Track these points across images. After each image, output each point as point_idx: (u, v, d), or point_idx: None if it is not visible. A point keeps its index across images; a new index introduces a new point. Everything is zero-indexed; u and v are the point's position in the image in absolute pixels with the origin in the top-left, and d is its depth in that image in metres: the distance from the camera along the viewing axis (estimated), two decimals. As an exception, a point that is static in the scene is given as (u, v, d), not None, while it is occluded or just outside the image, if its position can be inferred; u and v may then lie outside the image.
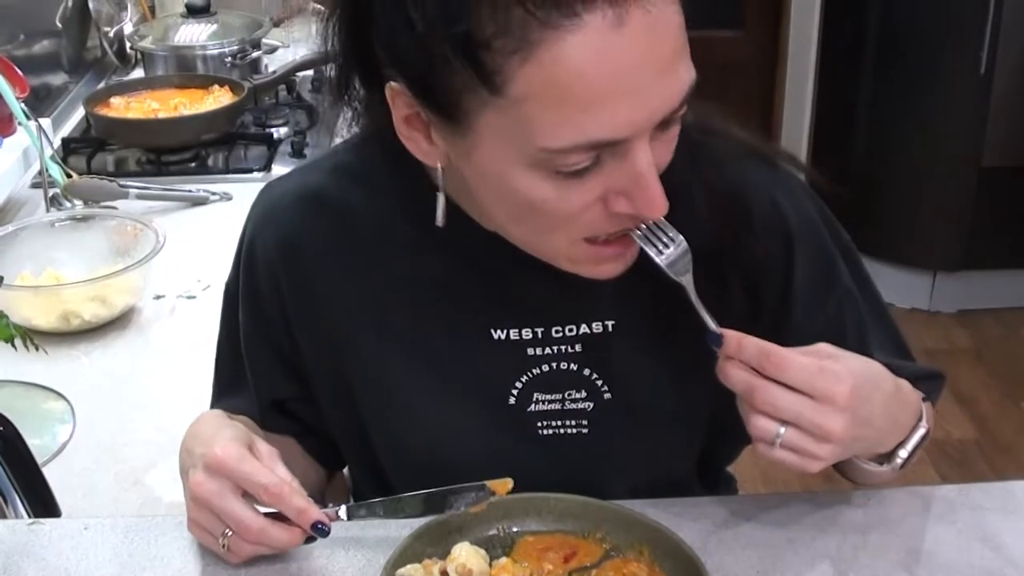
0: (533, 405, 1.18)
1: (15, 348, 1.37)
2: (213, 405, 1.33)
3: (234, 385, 1.31)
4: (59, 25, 2.75)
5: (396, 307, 1.18)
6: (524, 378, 1.17)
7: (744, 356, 1.00)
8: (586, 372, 1.17)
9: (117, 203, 2.14)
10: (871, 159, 3.98)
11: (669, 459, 1.23)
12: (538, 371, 1.17)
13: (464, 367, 1.18)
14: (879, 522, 1.17)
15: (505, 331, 1.16)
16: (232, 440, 1.05)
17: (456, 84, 0.92)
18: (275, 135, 2.50)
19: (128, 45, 2.95)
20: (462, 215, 1.11)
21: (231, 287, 1.29)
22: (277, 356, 1.25)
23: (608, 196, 0.97)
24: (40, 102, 2.51)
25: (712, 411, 1.20)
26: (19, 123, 2.12)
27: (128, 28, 3.00)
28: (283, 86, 2.75)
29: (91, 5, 2.84)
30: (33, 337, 1.39)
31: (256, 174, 2.34)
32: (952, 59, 3.78)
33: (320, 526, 1.03)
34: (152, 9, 3.43)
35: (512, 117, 0.92)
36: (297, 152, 2.40)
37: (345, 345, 1.20)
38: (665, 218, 1.01)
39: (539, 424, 1.18)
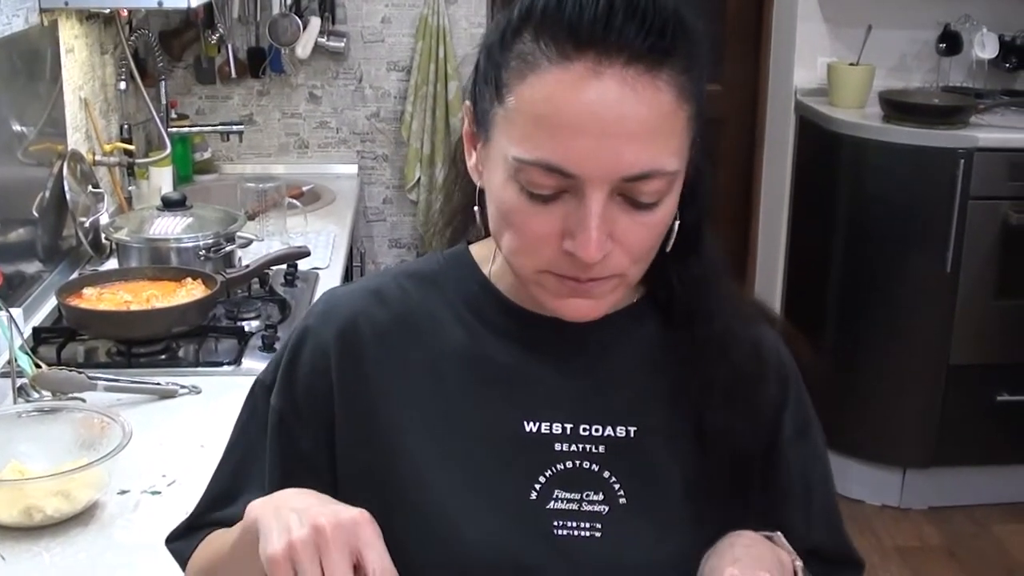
0: (552, 503, 1.21)
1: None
2: (199, 516, 1.33)
3: (234, 488, 1.31)
4: (36, 214, 2.77)
5: (437, 397, 1.24)
6: (548, 472, 1.21)
7: None
8: (606, 474, 1.22)
9: (85, 395, 2.14)
10: (839, 356, 4.01)
11: (678, 571, 1.23)
12: (562, 467, 1.21)
13: (493, 459, 1.22)
14: None
15: (537, 424, 1.22)
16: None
17: (486, 100, 1.12)
18: (246, 328, 2.51)
19: (103, 236, 2.98)
20: (511, 312, 1.24)
21: (266, 381, 1.30)
22: (295, 456, 1.26)
23: (564, 234, 1.08)
24: (13, 290, 2.52)
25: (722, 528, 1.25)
26: (-10, 314, 2.12)
27: (104, 219, 3.03)
28: (256, 279, 2.76)
29: (68, 196, 2.87)
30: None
31: (226, 367, 2.34)
32: (919, 258, 3.86)
33: None
34: (129, 201, 3.48)
35: (505, 125, 1.09)
36: (268, 346, 2.41)
37: (380, 434, 1.23)
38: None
39: (555, 523, 1.21)
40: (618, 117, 1.04)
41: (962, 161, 3.73)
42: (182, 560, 1.33)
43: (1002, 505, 4.05)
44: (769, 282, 4.56)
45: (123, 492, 1.83)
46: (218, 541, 1.25)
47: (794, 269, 4.45)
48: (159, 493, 1.84)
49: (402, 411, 1.23)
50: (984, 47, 4.21)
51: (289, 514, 1.05)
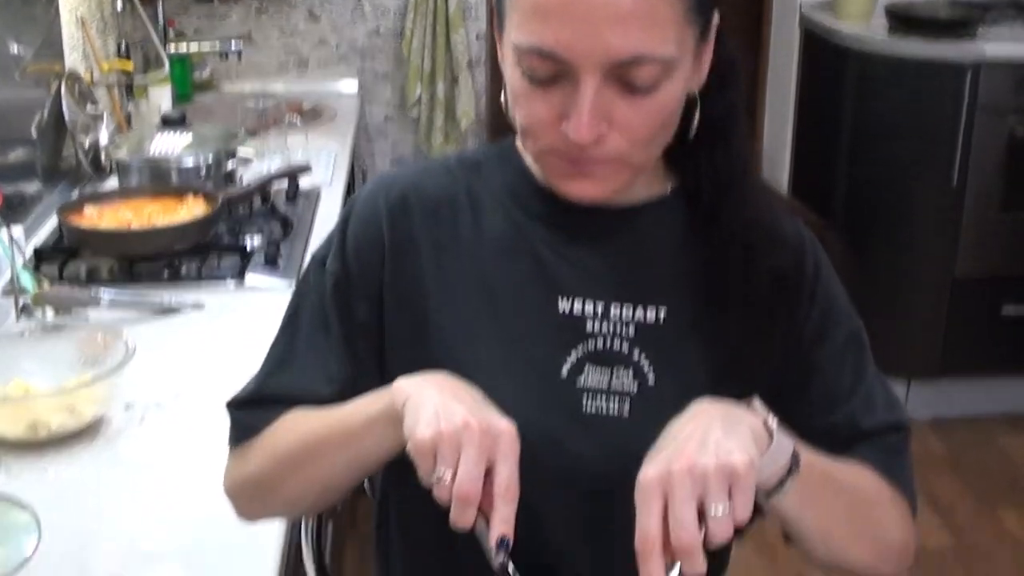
0: (582, 380, 1.26)
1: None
2: (263, 385, 1.34)
3: (292, 356, 1.33)
4: (34, 134, 2.75)
5: (474, 275, 1.29)
6: (579, 350, 1.26)
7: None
8: (635, 355, 1.26)
9: (88, 312, 2.13)
10: (845, 270, 3.99)
11: None
12: (593, 346, 1.26)
13: (526, 335, 1.27)
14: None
15: (570, 300, 1.27)
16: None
17: None
18: (248, 246, 2.50)
19: (103, 155, 2.96)
20: (546, 198, 1.28)
21: (319, 255, 1.35)
22: (351, 321, 1.31)
23: (562, 117, 1.13)
24: (13, 211, 2.51)
25: None
26: (-9, 232, 2.11)
27: (103, 138, 3.01)
28: (258, 196, 2.74)
29: (67, 115, 2.84)
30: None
31: (229, 283, 2.33)
32: (925, 173, 3.84)
33: (504, 542, 1.03)
34: (128, 120, 3.46)
35: (511, 13, 1.14)
36: (271, 261, 2.40)
37: (421, 306, 1.29)
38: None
39: (584, 401, 1.25)
40: (606, 6, 1.07)
41: (969, 74, 3.70)
42: (249, 431, 1.32)
43: (1007, 416, 4.06)
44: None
45: (128, 407, 1.83)
46: (324, 418, 1.24)
47: (798, 183, 4.43)
48: (164, 407, 1.84)
49: (441, 286, 1.28)
50: (991, -44, 4.16)
51: (443, 403, 1.08)
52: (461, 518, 1.03)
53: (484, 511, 1.05)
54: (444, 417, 1.06)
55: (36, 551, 1.47)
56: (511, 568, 1.04)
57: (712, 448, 1.01)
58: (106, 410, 1.79)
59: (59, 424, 1.72)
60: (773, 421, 1.09)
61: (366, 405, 1.19)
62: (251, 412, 1.33)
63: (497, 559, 1.03)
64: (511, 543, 1.03)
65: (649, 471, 1.02)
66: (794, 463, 1.09)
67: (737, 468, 1.00)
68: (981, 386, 4.07)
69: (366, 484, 1.63)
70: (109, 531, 1.52)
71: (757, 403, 1.12)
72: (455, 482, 1.03)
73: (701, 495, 1.00)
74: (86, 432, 1.76)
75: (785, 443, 1.09)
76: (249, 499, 1.34)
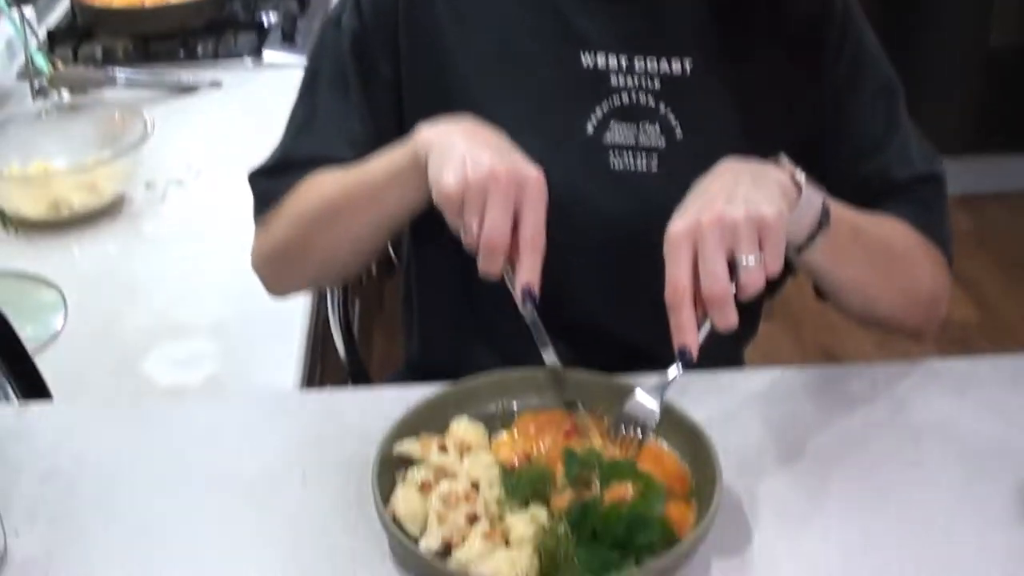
0: (609, 135, 1.23)
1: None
2: (287, 153, 1.31)
3: (314, 119, 1.30)
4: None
5: (494, 33, 1.25)
6: (604, 106, 1.23)
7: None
8: (662, 109, 1.23)
9: (105, 92, 2.10)
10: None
11: None
12: (618, 102, 1.23)
13: (551, 93, 1.24)
14: (886, 397, 1.16)
15: (593, 55, 1.23)
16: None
17: None
18: (265, 22, 2.45)
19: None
20: None
21: (334, 17, 1.30)
22: (374, 75, 1.27)
23: None
24: (22, -6, 2.46)
25: None
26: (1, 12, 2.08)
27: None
28: (273, -28, 2.68)
29: None
30: (16, 222, 1.36)
31: (246, 60, 2.30)
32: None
33: (529, 291, 1.03)
34: None
35: None
36: (288, 38, 2.36)
37: (441, 66, 1.25)
38: None
39: (612, 159, 1.23)
40: None
41: None
42: (271, 198, 1.29)
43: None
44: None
45: (149, 186, 1.82)
46: (347, 175, 1.21)
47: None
48: (185, 185, 1.82)
49: (459, 40, 1.25)
50: None
51: (470, 149, 1.05)
52: (489, 267, 1.02)
53: (512, 261, 1.03)
54: (470, 164, 1.03)
55: (64, 327, 1.47)
56: (535, 318, 1.04)
57: (741, 201, 0.99)
58: (127, 188, 1.78)
59: (81, 202, 1.71)
60: (801, 175, 1.06)
61: (389, 157, 1.15)
62: (272, 179, 1.30)
63: (523, 309, 1.03)
64: (537, 293, 1.02)
65: (678, 223, 1.00)
66: (824, 217, 1.07)
67: (766, 219, 0.98)
68: (1013, 162, 4.01)
69: (394, 257, 1.62)
70: (135, 306, 1.52)
71: (784, 159, 1.10)
72: (482, 231, 1.01)
73: (731, 247, 0.98)
74: (108, 210, 1.75)
75: (814, 197, 1.06)
76: (277, 269, 1.32)
